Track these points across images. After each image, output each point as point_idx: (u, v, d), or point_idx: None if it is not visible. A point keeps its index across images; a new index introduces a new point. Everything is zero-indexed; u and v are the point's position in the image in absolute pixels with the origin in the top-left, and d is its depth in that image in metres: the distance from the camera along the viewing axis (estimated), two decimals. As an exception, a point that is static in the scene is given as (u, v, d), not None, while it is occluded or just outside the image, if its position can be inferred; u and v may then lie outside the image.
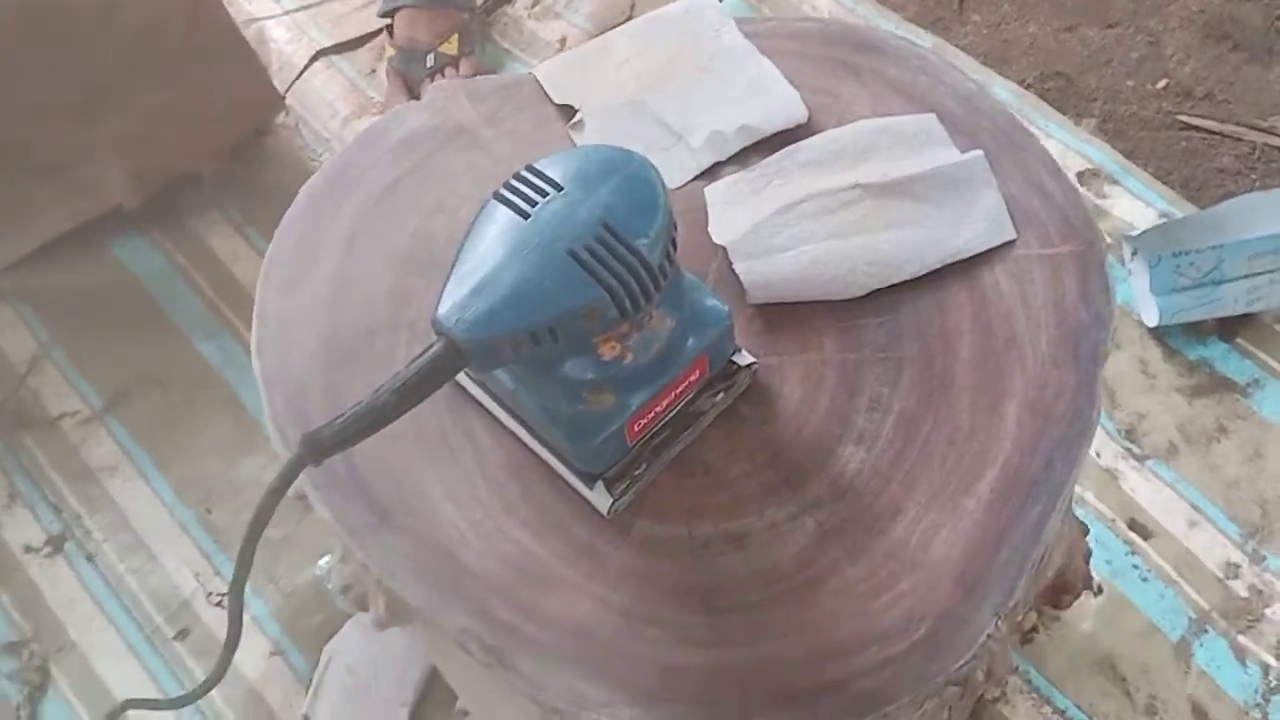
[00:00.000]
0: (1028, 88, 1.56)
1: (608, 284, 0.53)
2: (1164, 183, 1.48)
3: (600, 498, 0.62)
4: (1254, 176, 1.50)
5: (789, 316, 0.68)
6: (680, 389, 0.62)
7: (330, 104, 1.70)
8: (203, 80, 1.40)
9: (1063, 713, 1.18)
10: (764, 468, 0.64)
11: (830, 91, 0.77)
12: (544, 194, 0.55)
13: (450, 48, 1.64)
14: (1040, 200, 0.71)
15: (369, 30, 1.76)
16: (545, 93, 0.79)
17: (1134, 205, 1.46)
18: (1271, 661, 1.19)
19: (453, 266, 0.55)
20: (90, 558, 1.36)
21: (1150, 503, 1.27)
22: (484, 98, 0.79)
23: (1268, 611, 1.22)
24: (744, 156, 0.74)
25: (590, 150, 0.58)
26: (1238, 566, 1.25)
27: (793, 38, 0.79)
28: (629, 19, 1.72)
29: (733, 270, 0.68)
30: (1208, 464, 1.29)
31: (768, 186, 0.72)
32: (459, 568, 0.62)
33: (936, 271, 0.69)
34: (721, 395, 0.65)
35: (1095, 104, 1.55)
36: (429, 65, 1.62)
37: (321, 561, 1.30)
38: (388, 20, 1.69)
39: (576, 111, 0.77)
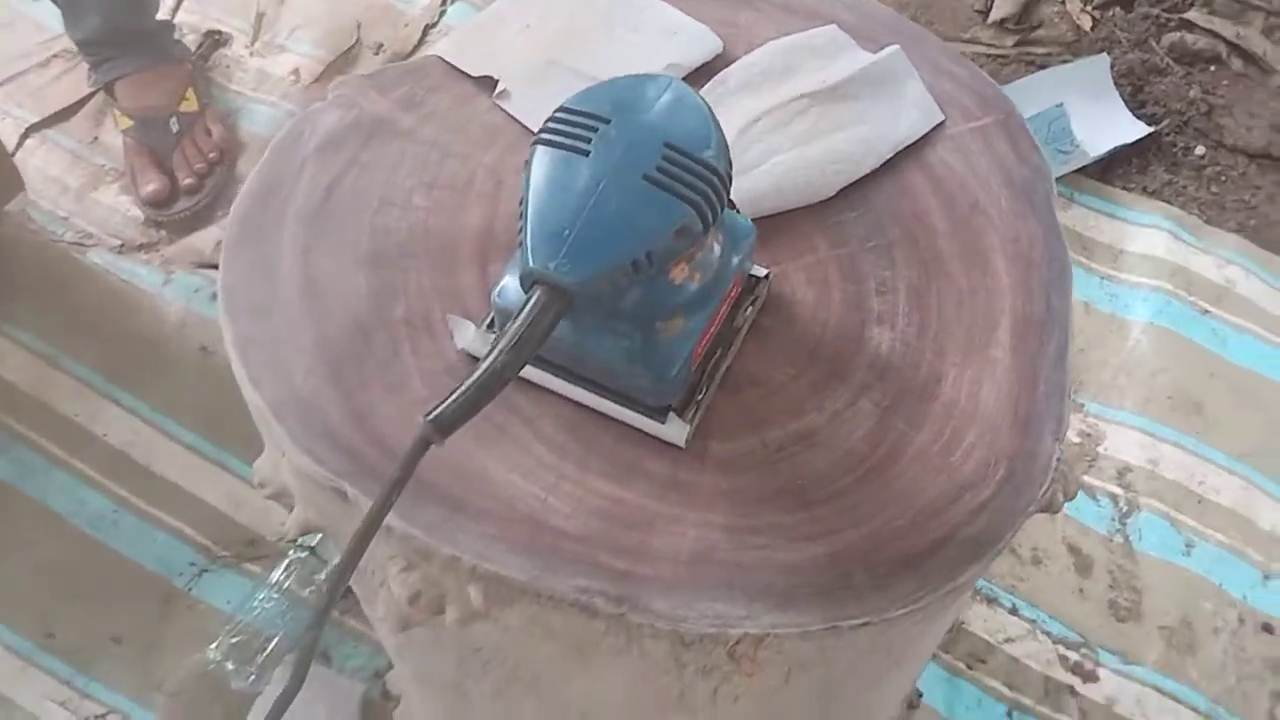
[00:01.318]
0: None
1: (691, 199, 0.54)
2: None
3: (676, 429, 0.62)
4: (973, 83, 1.66)
5: (775, 227, 0.71)
6: (725, 307, 0.63)
7: (58, 180, 1.57)
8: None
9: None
10: (807, 367, 0.66)
11: (730, 22, 0.80)
12: (593, 129, 0.55)
13: (190, 104, 1.55)
14: (951, 83, 0.77)
15: (78, 98, 1.64)
16: (455, 70, 0.77)
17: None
18: (1116, 490, 1.34)
19: (524, 217, 0.54)
20: (-64, 721, 1.20)
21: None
22: (392, 85, 0.76)
23: (1100, 449, 1.36)
24: (674, 94, 0.76)
25: (618, 81, 0.58)
26: (1063, 418, 1.39)
27: (676, -21, 0.82)
28: (358, 40, 1.70)
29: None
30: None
31: (711, 115, 0.74)
32: (554, 533, 0.61)
33: (890, 161, 0.73)
34: (749, 309, 0.66)
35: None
36: (175, 129, 1.52)
37: (213, 645, 1.21)
38: (100, 88, 1.58)
39: (496, 83, 0.76)
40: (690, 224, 0.54)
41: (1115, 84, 1.62)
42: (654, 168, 0.54)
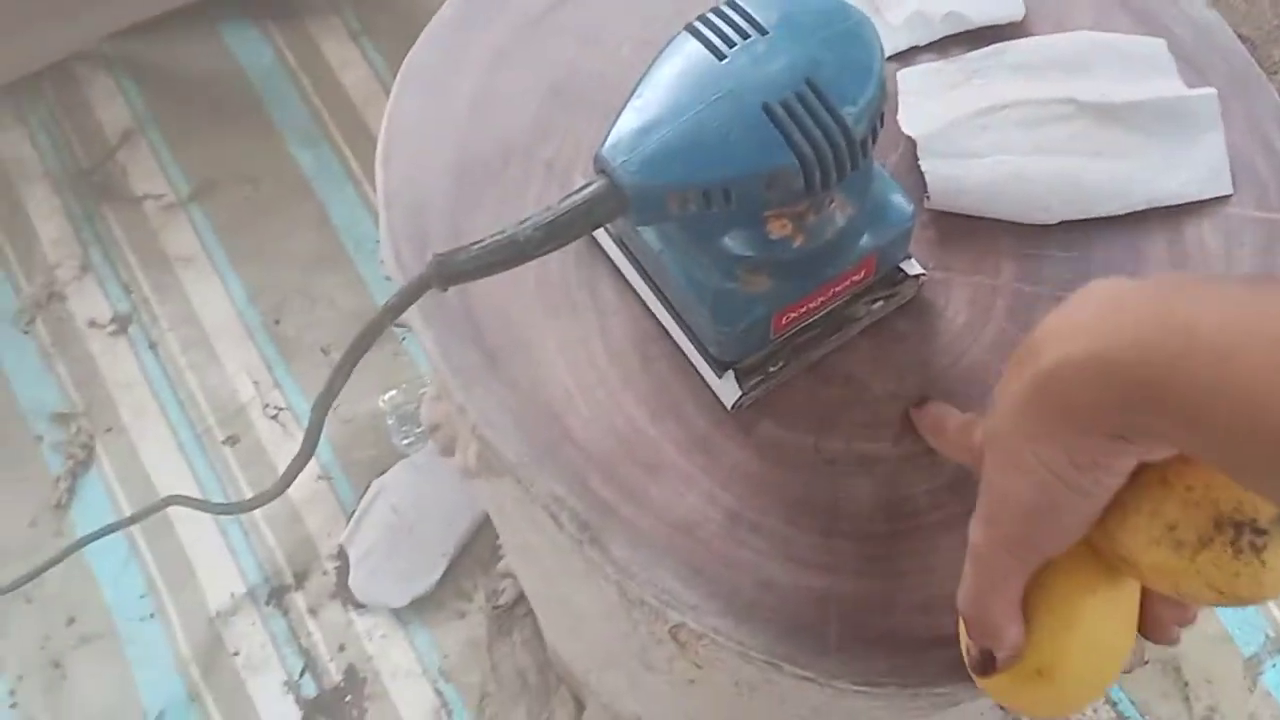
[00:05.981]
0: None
1: (801, 150, 0.46)
2: None
3: (728, 388, 0.56)
4: None
5: (967, 231, 0.61)
6: (840, 287, 0.55)
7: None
8: None
9: (1114, 705, 1.13)
10: (912, 392, 0.58)
11: (1049, -7, 0.68)
12: (745, 35, 0.48)
13: None
14: (1264, 157, 0.63)
15: None
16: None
17: None
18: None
19: (628, 98, 0.48)
20: (153, 345, 1.33)
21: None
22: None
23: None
24: (945, 46, 0.66)
25: (806, -3, 0.50)
26: (1324, 590, 1.18)
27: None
28: None
29: (915, 168, 0.61)
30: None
31: (967, 83, 0.64)
32: (563, 431, 0.57)
33: (1137, 213, 0.61)
34: (880, 304, 0.58)
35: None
36: None
37: (386, 395, 1.26)
38: None
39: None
40: (789, 177, 0.46)
41: None
42: (779, 101, 0.46)
